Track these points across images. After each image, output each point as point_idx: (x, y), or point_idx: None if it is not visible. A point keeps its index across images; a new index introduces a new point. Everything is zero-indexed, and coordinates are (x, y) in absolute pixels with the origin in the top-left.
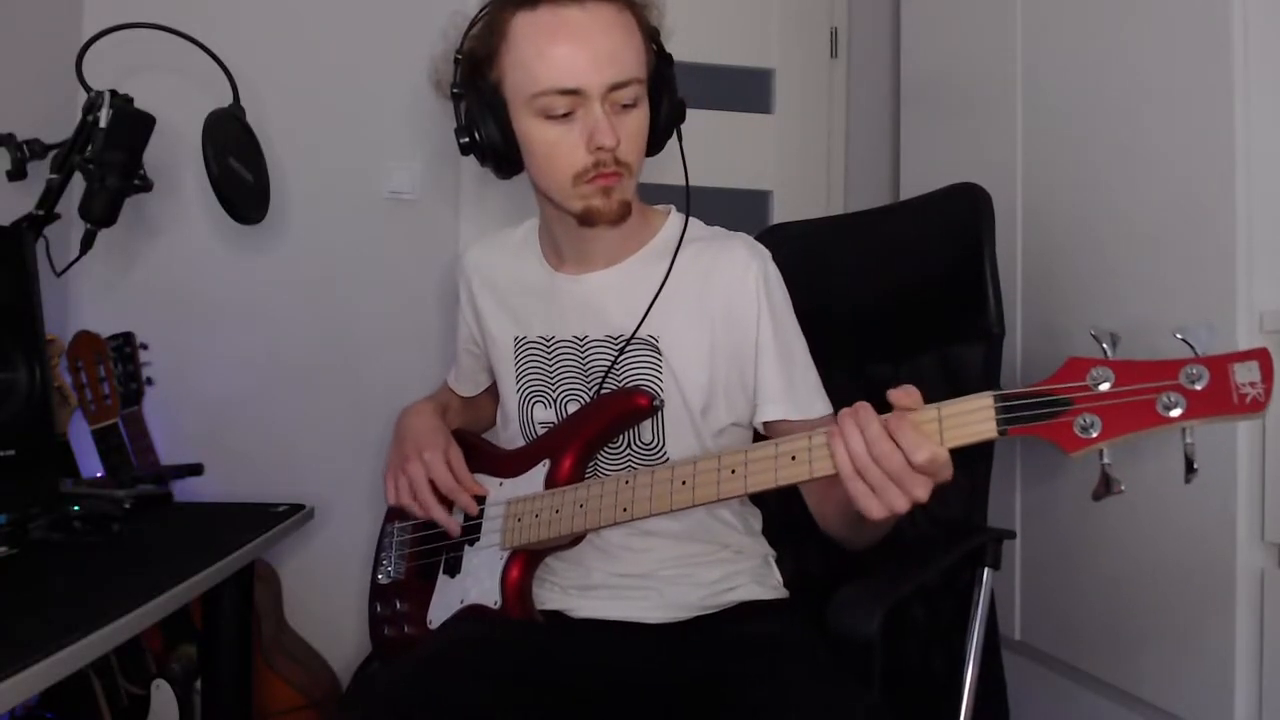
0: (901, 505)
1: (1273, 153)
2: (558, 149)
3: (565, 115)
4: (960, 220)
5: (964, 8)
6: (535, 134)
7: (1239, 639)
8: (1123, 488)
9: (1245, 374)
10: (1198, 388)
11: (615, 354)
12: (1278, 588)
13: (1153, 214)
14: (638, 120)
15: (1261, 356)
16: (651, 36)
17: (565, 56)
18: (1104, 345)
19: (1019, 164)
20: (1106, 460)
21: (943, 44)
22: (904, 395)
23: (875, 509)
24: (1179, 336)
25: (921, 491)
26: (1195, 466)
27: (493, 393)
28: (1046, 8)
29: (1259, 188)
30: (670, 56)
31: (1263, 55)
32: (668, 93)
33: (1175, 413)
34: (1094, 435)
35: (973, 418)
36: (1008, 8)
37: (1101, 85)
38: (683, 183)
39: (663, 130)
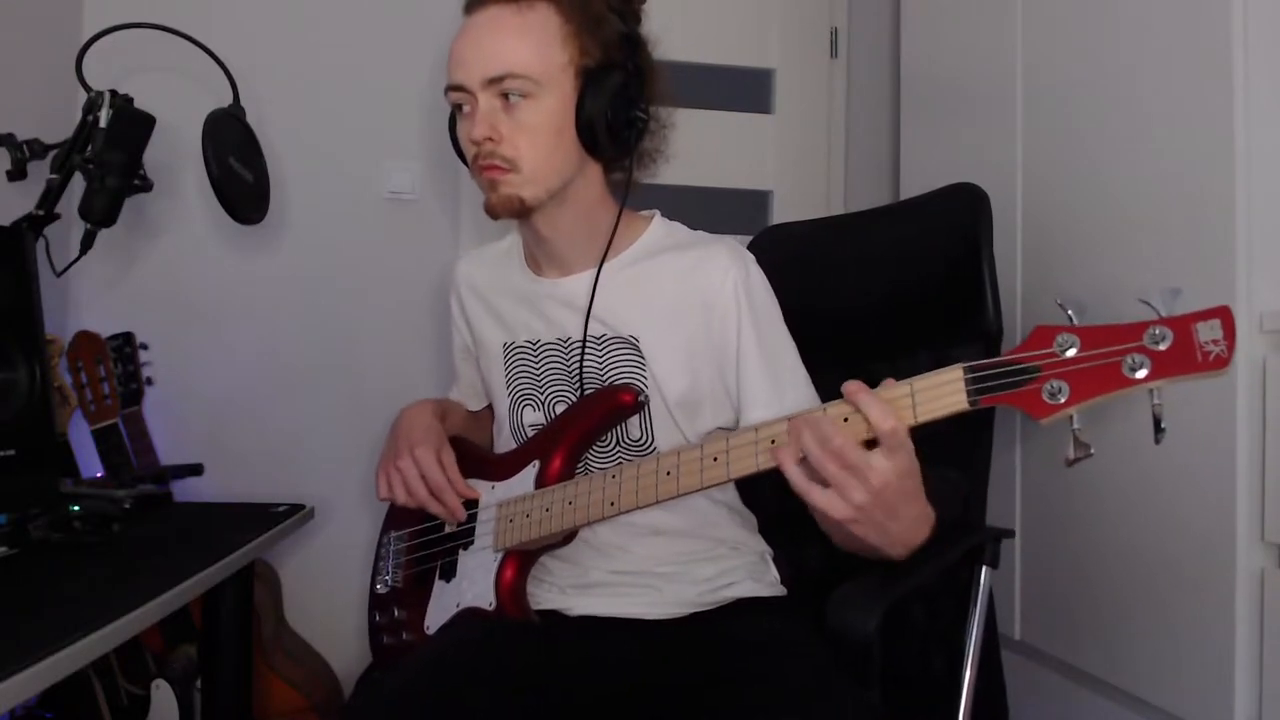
0: (860, 495)
1: (1273, 152)
2: (461, 142)
3: (465, 110)
4: (959, 220)
5: (964, 8)
6: (455, 130)
7: (1239, 639)
8: (1092, 451)
9: (1208, 332)
10: (1162, 348)
11: (597, 353)
12: (1278, 588)
13: (1152, 214)
14: (529, 115)
15: (1223, 314)
16: (590, 38)
17: (455, 55)
18: (1069, 313)
19: (1019, 164)
20: (1076, 425)
21: (943, 44)
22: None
23: (838, 508)
24: (1142, 300)
25: (877, 471)
26: (1164, 426)
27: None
28: (1046, 8)
29: (1259, 188)
30: (620, 64)
31: (1263, 56)
32: (596, 92)
33: (1141, 374)
34: (1062, 401)
35: (944, 390)
36: (1008, 8)
37: (1101, 85)
38: (678, 183)
39: (589, 129)
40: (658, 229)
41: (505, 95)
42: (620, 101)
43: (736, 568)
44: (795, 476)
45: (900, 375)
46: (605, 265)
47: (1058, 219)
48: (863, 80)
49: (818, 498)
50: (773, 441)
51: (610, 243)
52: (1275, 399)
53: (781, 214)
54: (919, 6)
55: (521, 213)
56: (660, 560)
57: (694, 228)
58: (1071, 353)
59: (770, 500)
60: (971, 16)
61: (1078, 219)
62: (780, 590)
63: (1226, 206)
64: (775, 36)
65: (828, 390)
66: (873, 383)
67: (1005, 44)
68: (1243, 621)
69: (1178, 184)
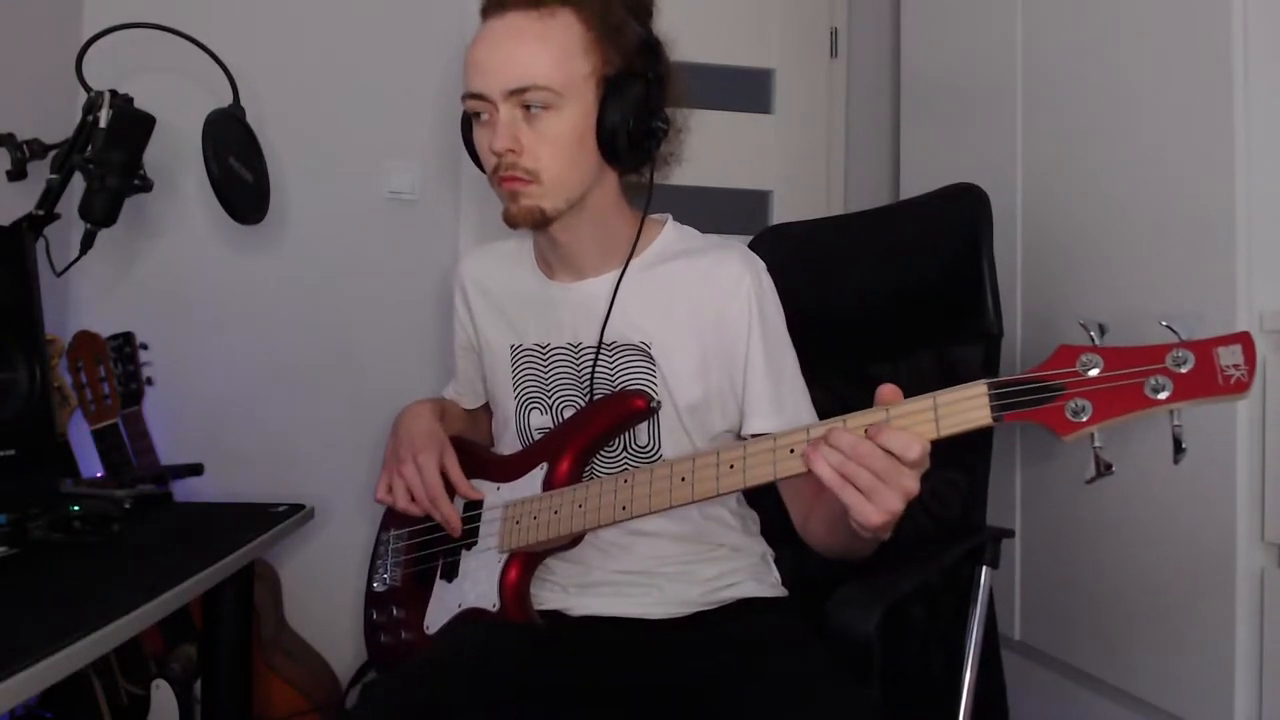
0: (896, 503)
1: (1273, 152)
2: (479, 150)
3: (483, 119)
4: (959, 220)
5: (964, 8)
6: (470, 135)
7: (1239, 639)
8: (1114, 469)
9: (1229, 357)
10: (1183, 371)
11: (608, 359)
12: (1278, 588)
13: (1152, 214)
14: (552, 127)
15: (1244, 340)
16: (611, 46)
17: (475, 62)
18: (1091, 333)
19: (1019, 164)
20: (1098, 444)
21: (943, 44)
22: (889, 393)
23: (872, 514)
24: (1164, 324)
25: (911, 483)
26: (1184, 447)
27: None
28: (1046, 8)
29: (1259, 188)
30: (640, 72)
31: (1263, 55)
32: (618, 102)
33: (1163, 395)
34: (1085, 419)
35: (968, 405)
36: (1008, 8)
37: (1101, 85)
38: (679, 183)
39: (611, 139)
40: (670, 234)
41: (527, 106)
42: (642, 112)
43: (738, 569)
44: (831, 479)
45: (901, 375)
46: (616, 271)
47: (1058, 219)
48: (863, 80)
49: (854, 499)
50: (791, 451)
51: (633, 252)
52: (1275, 399)
53: (781, 214)
54: (919, 6)
55: (542, 223)
56: (663, 560)
57: (694, 228)
58: (1094, 372)
59: (772, 502)
60: (971, 16)
61: (1078, 219)
62: (782, 591)
63: (1226, 206)
64: (775, 36)
65: (829, 390)
66: (872, 384)
67: (1005, 44)
68: (1243, 622)
69: (1178, 184)
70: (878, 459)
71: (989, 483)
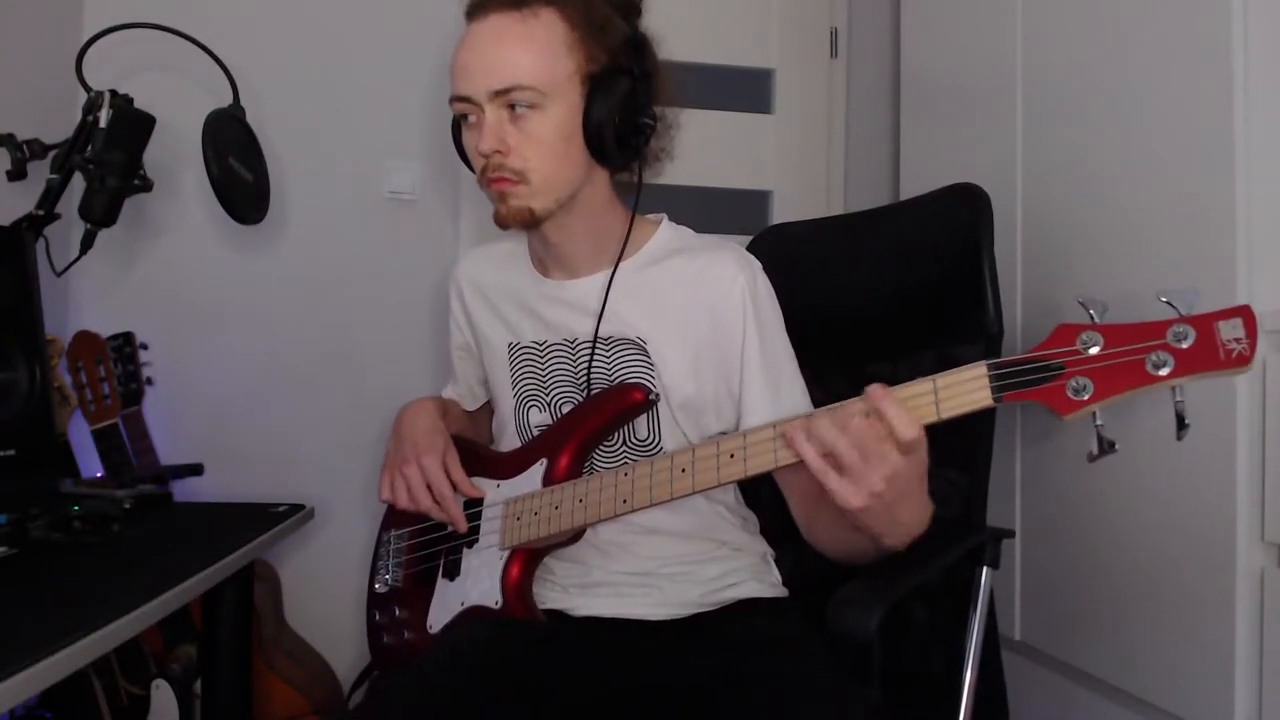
0: (878, 482)
1: (1273, 152)
2: (467, 152)
3: (471, 120)
4: (960, 220)
5: (964, 8)
6: (460, 138)
7: (1239, 639)
8: (1117, 446)
9: (1230, 331)
10: (1184, 346)
11: (605, 354)
12: (1278, 587)
13: (1152, 214)
14: (537, 126)
15: (1245, 313)
16: (596, 43)
17: (459, 65)
18: (1091, 312)
19: (1019, 164)
20: (1099, 422)
21: (943, 44)
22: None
23: (853, 495)
24: (1164, 299)
25: (896, 459)
26: (1187, 423)
27: (490, 408)
28: (1046, 8)
29: (1259, 188)
30: (627, 68)
31: (1263, 55)
32: (603, 100)
33: (1164, 371)
34: (1086, 397)
35: (968, 387)
36: (1008, 8)
37: (1101, 85)
38: (678, 183)
39: (597, 137)
40: (665, 233)
41: (512, 106)
42: (628, 108)
43: (739, 569)
44: (813, 460)
45: (901, 376)
46: (612, 269)
47: (1058, 219)
48: (863, 80)
49: (834, 483)
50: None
51: (624, 248)
52: (1275, 399)
53: (781, 214)
54: (919, 6)
55: (532, 223)
56: (663, 561)
57: (694, 228)
58: (1094, 350)
59: (771, 502)
60: (971, 16)
61: (1078, 219)
62: (782, 591)
63: (1226, 206)
64: (775, 36)
65: (830, 391)
66: (881, 381)
67: (1005, 44)
68: (1243, 621)
69: (1178, 184)
70: (859, 430)
71: (989, 483)
